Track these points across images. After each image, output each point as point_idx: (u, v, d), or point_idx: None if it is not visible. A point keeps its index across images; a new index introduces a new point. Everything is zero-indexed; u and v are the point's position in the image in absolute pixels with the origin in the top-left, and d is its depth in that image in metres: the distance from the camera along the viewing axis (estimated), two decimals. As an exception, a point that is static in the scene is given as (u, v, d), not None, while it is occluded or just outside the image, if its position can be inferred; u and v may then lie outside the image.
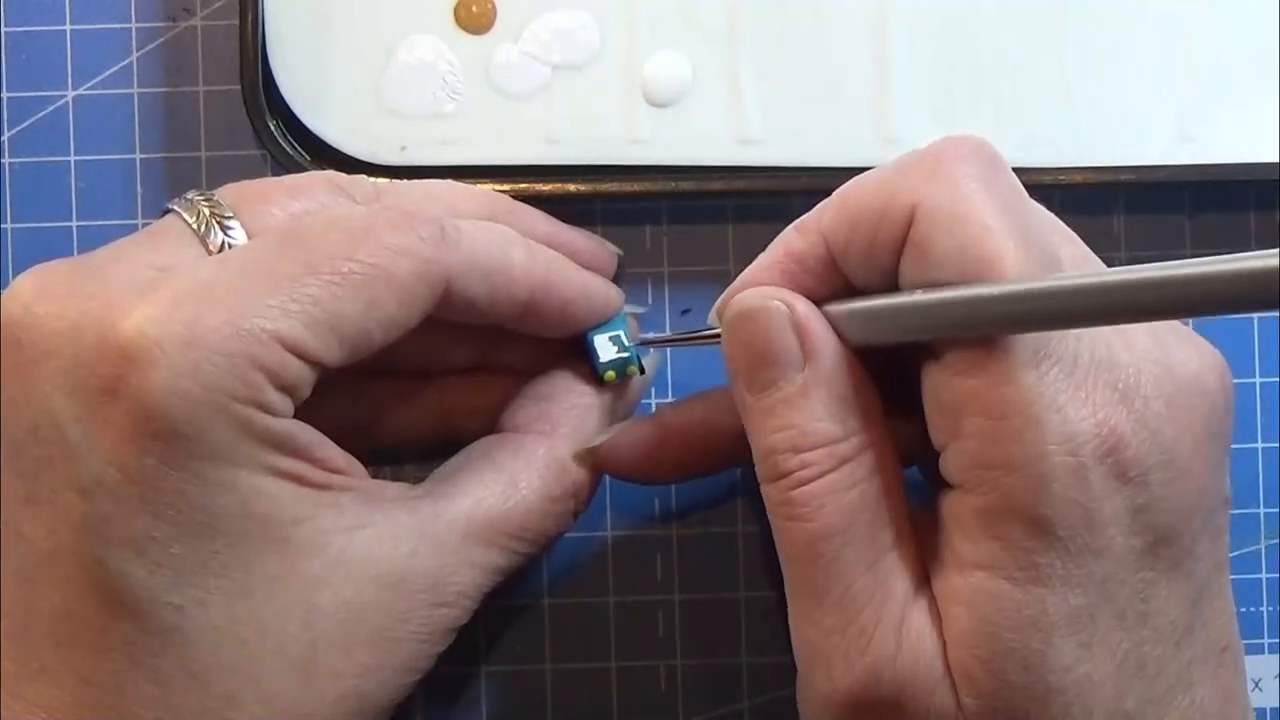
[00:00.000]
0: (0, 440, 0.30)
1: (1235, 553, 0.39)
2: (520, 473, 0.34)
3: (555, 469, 0.35)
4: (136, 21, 0.39)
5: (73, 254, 0.37)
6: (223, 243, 0.32)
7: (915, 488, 0.32)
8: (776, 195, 0.38)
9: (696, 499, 0.39)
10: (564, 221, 0.37)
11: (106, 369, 0.29)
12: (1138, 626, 0.29)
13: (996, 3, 0.38)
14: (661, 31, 0.38)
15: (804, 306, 0.31)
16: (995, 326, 0.28)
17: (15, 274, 0.31)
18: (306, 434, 0.31)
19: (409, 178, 0.37)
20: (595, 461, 0.35)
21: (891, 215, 0.29)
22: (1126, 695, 0.29)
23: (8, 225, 0.39)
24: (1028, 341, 0.28)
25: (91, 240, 0.37)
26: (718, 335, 0.32)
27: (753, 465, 0.31)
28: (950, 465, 0.29)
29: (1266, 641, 0.39)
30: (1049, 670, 0.29)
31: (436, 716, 0.39)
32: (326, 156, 0.38)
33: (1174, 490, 0.29)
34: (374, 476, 0.33)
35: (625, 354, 0.36)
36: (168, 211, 0.32)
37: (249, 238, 0.32)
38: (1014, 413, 0.28)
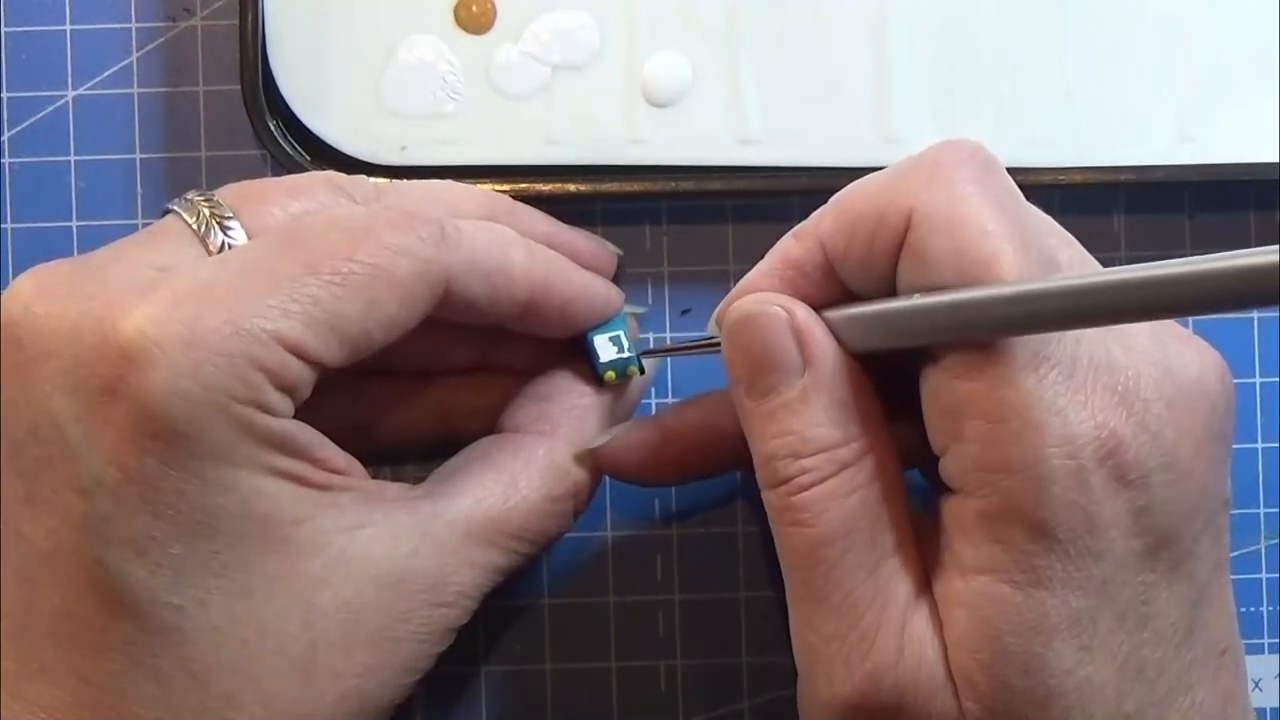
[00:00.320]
0: (0, 440, 0.30)
1: (1235, 553, 0.39)
2: (520, 473, 0.34)
3: (555, 469, 0.35)
4: (136, 21, 0.39)
5: (73, 254, 0.38)
6: (223, 243, 0.32)
7: (917, 491, 0.32)
8: (776, 195, 0.38)
9: (696, 499, 0.39)
10: (564, 221, 0.37)
11: (106, 369, 0.29)
12: (1138, 629, 0.29)
13: (996, 3, 0.38)
14: (661, 31, 0.38)
15: (803, 312, 0.31)
16: (993, 329, 0.28)
17: (15, 274, 0.31)
18: (306, 434, 0.31)
19: (409, 178, 0.37)
20: (595, 462, 0.35)
21: (888, 220, 0.29)
22: (1127, 698, 0.29)
23: (8, 225, 0.39)
24: (1027, 344, 0.28)
25: (91, 240, 0.37)
26: (717, 344, 0.32)
27: (753, 468, 0.31)
28: (950, 469, 0.29)
29: (1266, 641, 0.39)
30: (1050, 674, 0.29)
31: (436, 716, 0.39)
32: (326, 156, 0.38)
33: (1175, 492, 0.29)
34: (374, 476, 0.33)
35: (625, 354, 0.36)
36: (168, 212, 0.32)
37: (249, 238, 0.32)
38: (1013, 416, 0.28)
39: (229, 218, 0.32)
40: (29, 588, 0.30)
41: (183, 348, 0.28)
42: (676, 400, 0.38)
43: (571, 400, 0.36)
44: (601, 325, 0.36)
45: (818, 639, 0.30)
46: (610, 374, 0.36)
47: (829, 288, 0.31)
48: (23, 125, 0.39)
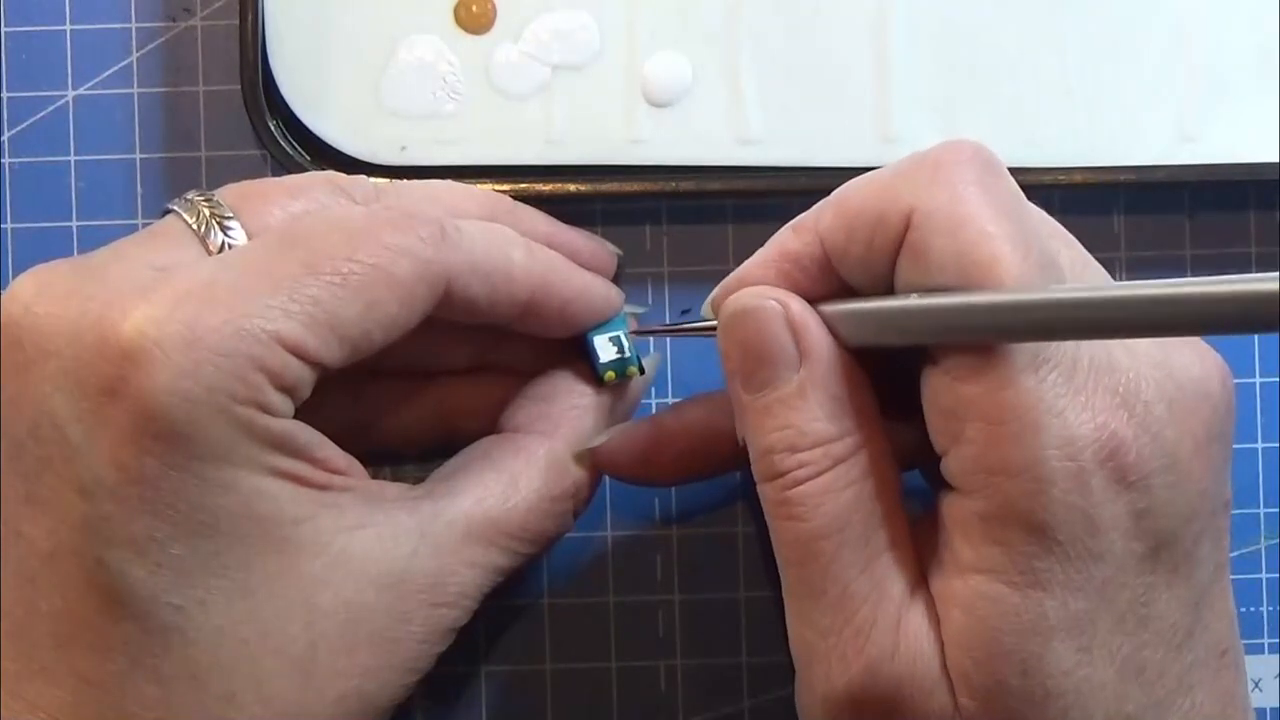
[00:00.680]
0: (0, 440, 0.30)
1: (1235, 553, 0.39)
2: (520, 473, 0.34)
3: (555, 469, 0.35)
4: (136, 21, 0.39)
5: (73, 254, 0.37)
6: (223, 243, 0.32)
7: (918, 492, 0.32)
8: (776, 195, 0.38)
9: (696, 499, 0.39)
10: (564, 221, 0.37)
11: (107, 369, 0.29)
12: (1138, 630, 0.29)
13: (997, 3, 0.38)
14: (661, 32, 0.38)
15: (799, 306, 0.31)
16: (992, 334, 0.28)
17: (15, 274, 0.31)
18: (307, 434, 0.31)
19: (409, 178, 0.37)
20: (593, 462, 0.35)
21: (889, 219, 0.29)
22: (1127, 699, 0.29)
23: (8, 225, 0.39)
24: (1027, 346, 0.28)
25: (91, 240, 0.37)
26: (707, 326, 0.32)
27: (750, 469, 0.31)
28: (952, 469, 0.29)
29: (1266, 641, 0.39)
30: (1047, 674, 0.29)
31: (436, 716, 0.39)
32: (326, 156, 0.38)
33: (1175, 494, 0.29)
34: (374, 476, 0.33)
35: (625, 354, 0.36)
36: (168, 212, 0.32)
37: (249, 238, 0.32)
38: (1013, 418, 0.28)
39: (229, 218, 0.32)
40: (29, 588, 0.30)
41: (183, 348, 0.28)
42: (676, 400, 0.38)
43: (571, 400, 0.36)
44: (601, 325, 0.36)
45: (814, 634, 0.30)
46: (610, 374, 0.36)
47: (826, 282, 0.31)
48: (23, 125, 0.39)
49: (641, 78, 0.38)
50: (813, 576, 0.30)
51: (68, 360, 0.29)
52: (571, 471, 0.35)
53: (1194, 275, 0.39)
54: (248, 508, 0.29)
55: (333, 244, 0.30)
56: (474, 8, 0.38)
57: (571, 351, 0.36)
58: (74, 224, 0.39)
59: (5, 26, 0.39)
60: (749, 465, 0.32)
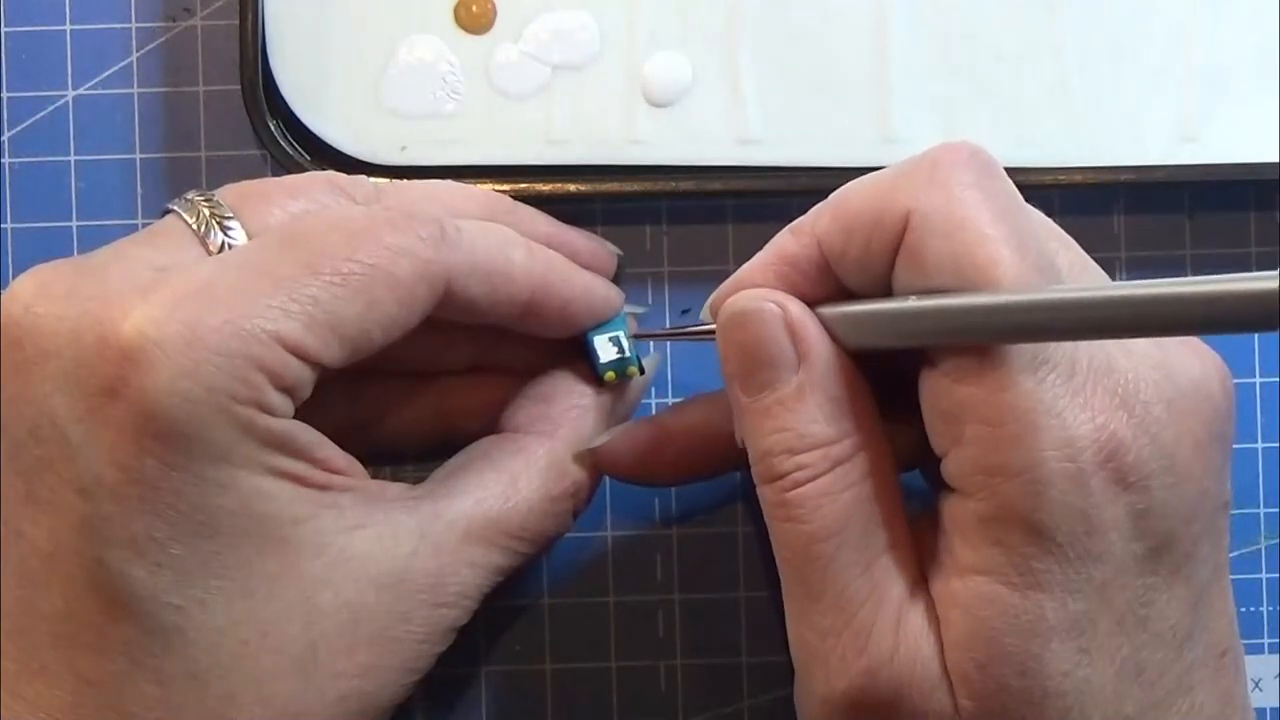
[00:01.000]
0: (1, 440, 0.30)
1: (1235, 553, 0.39)
2: (520, 473, 0.34)
3: (555, 469, 0.35)
4: (136, 21, 0.39)
5: (73, 254, 0.38)
6: (222, 243, 0.32)
7: (918, 493, 0.32)
8: (776, 195, 0.38)
9: (696, 499, 0.39)
10: (564, 221, 0.37)
11: (107, 369, 0.29)
12: (1137, 631, 0.29)
13: (997, 3, 0.38)
14: (661, 32, 0.38)
15: (797, 308, 0.31)
16: (990, 335, 0.28)
17: (15, 274, 0.31)
18: (306, 434, 0.31)
19: (409, 178, 0.37)
20: (594, 462, 0.35)
21: (886, 221, 0.29)
22: (1126, 699, 0.29)
23: (8, 225, 0.39)
24: (1026, 348, 0.28)
25: (91, 240, 0.37)
26: (707, 330, 0.32)
27: (750, 469, 0.31)
28: (951, 471, 0.29)
29: (1266, 641, 0.39)
30: (1046, 675, 0.29)
31: (436, 716, 0.39)
32: (326, 156, 0.38)
33: (1175, 495, 0.29)
34: (374, 476, 0.33)
35: (625, 354, 0.36)
36: (168, 212, 0.32)
37: (249, 238, 0.32)
38: (1012, 419, 0.28)
39: (229, 218, 0.32)
40: (29, 588, 0.30)
41: (183, 348, 0.28)
42: (677, 400, 0.38)
43: (571, 400, 0.36)
44: (601, 325, 0.36)
45: (813, 635, 0.30)
46: (610, 374, 0.36)
47: (824, 284, 0.31)
48: (23, 125, 0.39)
49: (641, 78, 0.38)
50: (812, 578, 0.30)
51: (68, 360, 0.29)
52: (571, 472, 0.35)
53: (1194, 275, 0.39)
54: (247, 507, 0.29)
55: (333, 244, 0.30)
56: (474, 8, 0.38)
57: (571, 351, 0.36)
58: (74, 224, 0.39)
59: (5, 26, 0.39)
60: (749, 466, 0.32)
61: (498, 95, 0.38)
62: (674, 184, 0.38)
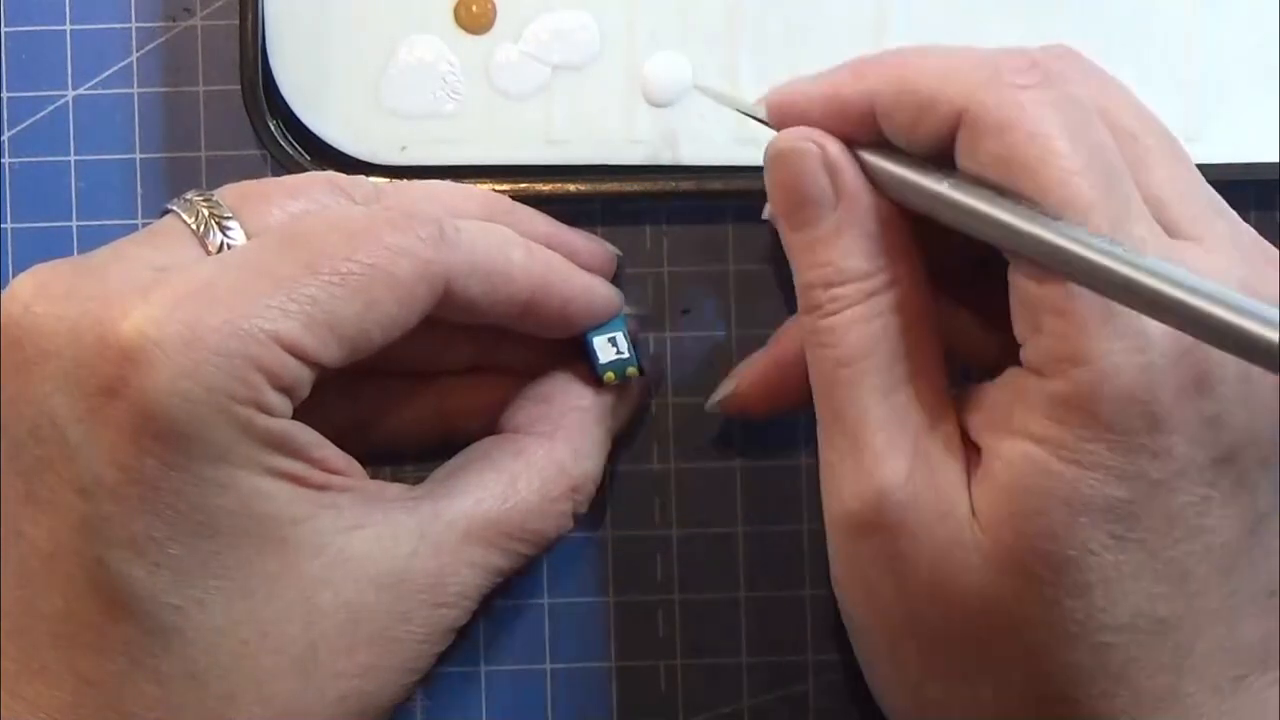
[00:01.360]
0: (0, 440, 0.30)
1: None
2: (520, 473, 0.34)
3: (555, 470, 0.35)
4: (136, 21, 0.39)
5: (73, 254, 0.38)
6: (222, 243, 0.32)
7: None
8: (776, 195, 0.38)
9: (696, 499, 0.39)
10: (564, 221, 0.37)
11: (106, 369, 0.29)
12: (1189, 539, 0.29)
13: (996, 4, 0.38)
14: (661, 32, 0.38)
15: (835, 149, 0.32)
16: (1053, 267, 0.29)
17: (15, 274, 0.31)
18: (305, 434, 0.31)
19: (409, 178, 0.37)
20: (726, 408, 0.36)
21: (939, 110, 0.30)
22: (1160, 600, 0.29)
23: (8, 225, 0.39)
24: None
25: (91, 240, 0.37)
26: (764, 120, 0.33)
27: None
28: (1029, 357, 0.30)
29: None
30: (1071, 545, 0.29)
31: (436, 716, 0.39)
32: (326, 156, 0.38)
33: (1248, 408, 0.29)
34: (374, 476, 0.33)
35: (625, 355, 0.36)
36: (167, 212, 0.32)
37: (248, 238, 0.32)
38: (1085, 309, 0.28)
39: (228, 218, 0.32)
40: (29, 588, 0.30)
41: (182, 348, 0.28)
42: (677, 398, 0.39)
43: (571, 401, 0.36)
44: (601, 326, 0.36)
45: (834, 455, 0.31)
46: (610, 374, 0.36)
47: (871, 130, 0.32)
48: (23, 125, 0.39)
49: (641, 78, 0.38)
50: (836, 401, 0.31)
51: (67, 360, 0.29)
52: (571, 472, 0.35)
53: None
54: (247, 508, 0.29)
55: (332, 244, 0.30)
56: (474, 8, 0.38)
57: (571, 351, 0.36)
58: (74, 224, 0.39)
59: (5, 26, 0.39)
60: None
61: (498, 95, 0.38)
62: (674, 184, 0.38)
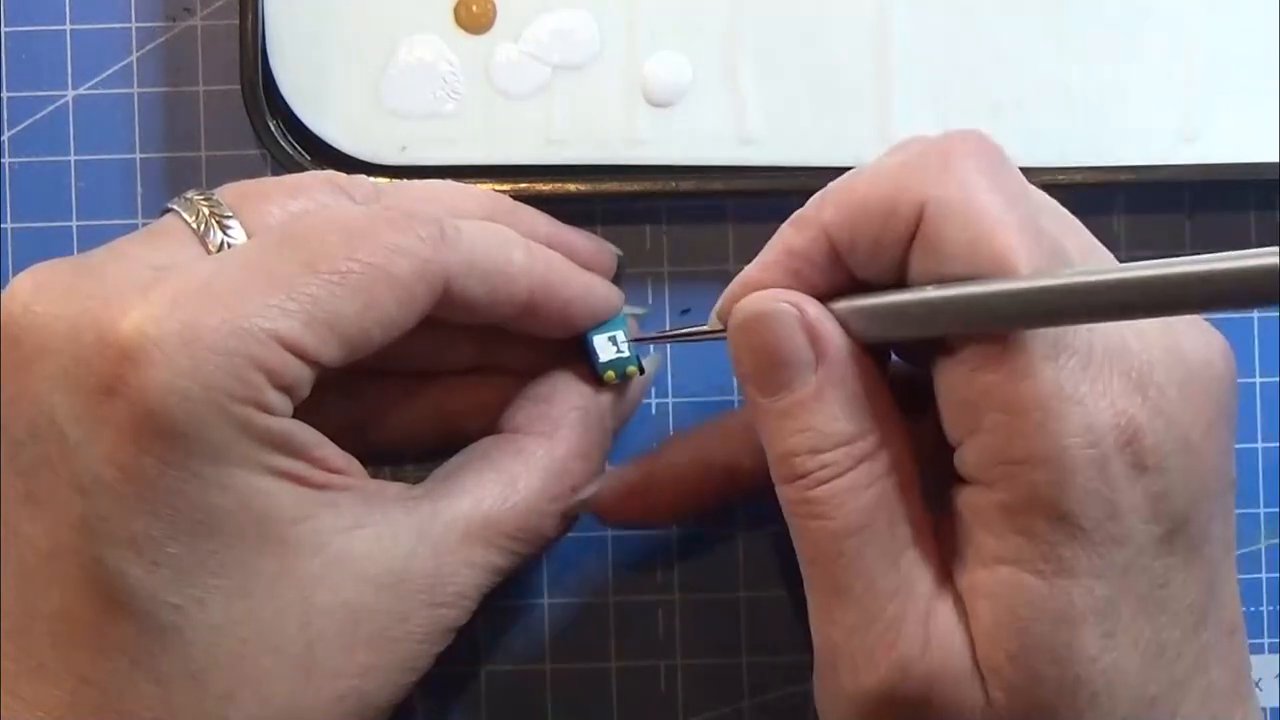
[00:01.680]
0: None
1: (1236, 553, 0.39)
2: (520, 473, 0.34)
3: (555, 470, 0.35)
4: (136, 21, 0.39)
5: (73, 254, 0.37)
6: (222, 242, 0.32)
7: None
8: (776, 195, 0.38)
9: (696, 499, 0.39)
10: (564, 221, 0.37)
11: (105, 368, 0.29)
12: (1157, 613, 0.29)
13: (997, 3, 0.38)
14: (661, 31, 0.38)
15: (813, 308, 0.31)
16: (1011, 322, 0.28)
17: (15, 274, 0.31)
18: (305, 434, 0.31)
19: (409, 178, 0.37)
20: (592, 511, 0.35)
21: (900, 211, 0.29)
22: (1149, 682, 0.29)
23: (8, 225, 0.39)
24: (1046, 334, 0.28)
25: (91, 240, 0.37)
26: (714, 333, 0.32)
27: (747, 500, 0.31)
28: (969, 460, 0.29)
29: (1266, 641, 0.39)
30: (1076, 662, 0.29)
31: (436, 716, 0.39)
32: (326, 156, 0.38)
33: (1190, 476, 0.29)
34: (374, 476, 0.33)
35: (625, 354, 0.36)
36: (167, 211, 0.32)
37: (248, 237, 0.32)
38: (1034, 407, 0.28)
39: (228, 217, 0.32)
40: (28, 587, 0.30)
41: (181, 347, 0.28)
42: (677, 399, 0.38)
43: (571, 401, 0.36)
44: (601, 326, 0.36)
45: (840, 632, 0.30)
46: (610, 374, 0.36)
47: (834, 276, 0.31)
48: (23, 125, 0.39)
49: (641, 78, 0.38)
50: (838, 575, 0.30)
51: (66, 359, 0.29)
52: (571, 472, 0.35)
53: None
54: (246, 507, 0.29)
55: (332, 243, 0.30)
56: (474, 8, 0.38)
57: (571, 351, 0.36)
58: (74, 224, 0.39)
59: (5, 26, 0.39)
60: (743, 497, 0.31)
61: (498, 95, 0.38)
62: (674, 184, 0.38)
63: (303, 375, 0.30)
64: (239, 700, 0.30)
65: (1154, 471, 0.29)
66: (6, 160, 0.39)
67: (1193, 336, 0.30)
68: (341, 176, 0.34)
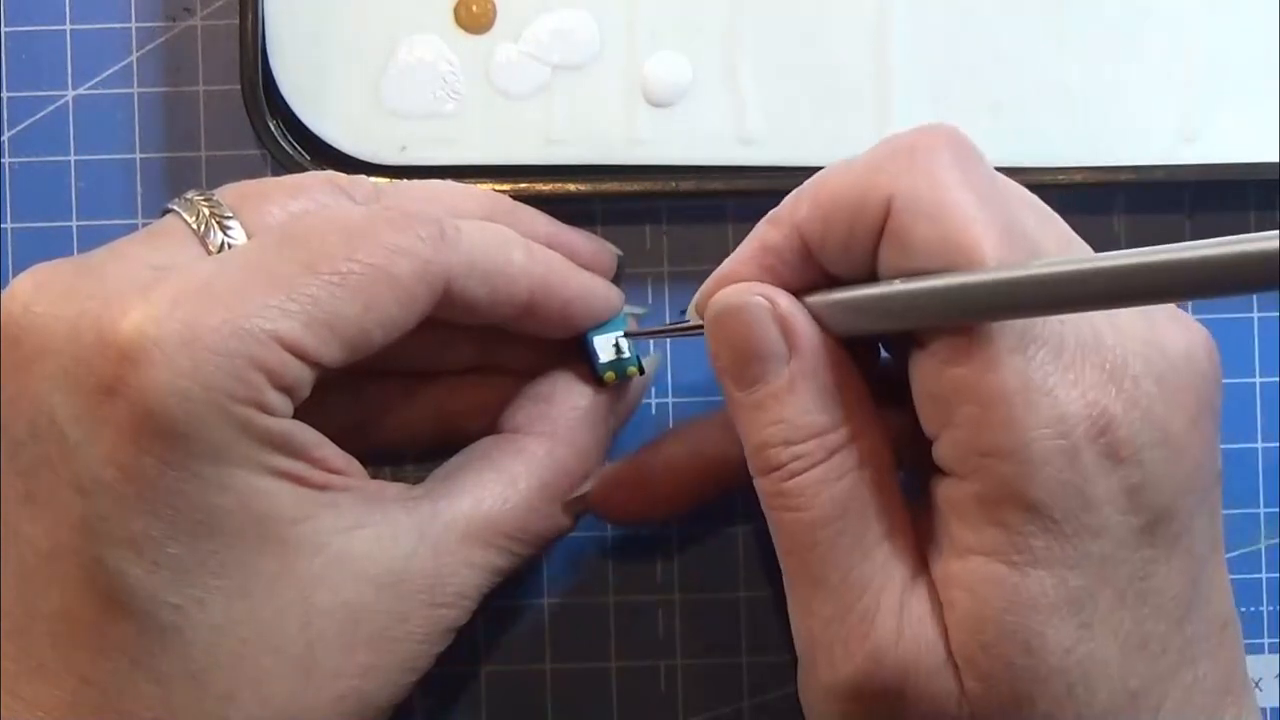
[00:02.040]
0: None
1: (1235, 553, 0.39)
2: (520, 474, 0.34)
3: (555, 470, 0.35)
4: (136, 21, 0.39)
5: (73, 254, 0.37)
6: (222, 243, 0.32)
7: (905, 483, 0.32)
8: (776, 195, 0.37)
9: (696, 499, 0.39)
10: (564, 221, 0.37)
11: (105, 368, 0.29)
12: (1139, 605, 0.29)
13: (997, 3, 0.38)
14: (661, 31, 0.38)
15: (785, 300, 0.31)
16: (980, 314, 0.28)
17: (15, 274, 0.31)
18: (305, 434, 0.31)
19: (409, 178, 0.37)
20: (587, 508, 0.35)
21: (868, 207, 0.29)
22: (1131, 674, 0.29)
23: (8, 225, 0.39)
24: (1013, 326, 0.28)
25: (91, 240, 0.37)
26: (695, 327, 0.33)
27: (745, 492, 0.31)
28: (944, 453, 0.29)
29: (1266, 641, 0.39)
30: (1050, 652, 0.29)
31: (436, 716, 0.39)
32: (326, 156, 0.38)
33: (1169, 469, 0.29)
34: (374, 476, 0.33)
35: (624, 355, 0.36)
36: (167, 211, 0.32)
37: (248, 238, 0.32)
38: (1002, 399, 0.28)
39: (229, 217, 0.32)
40: (28, 587, 0.30)
41: (181, 347, 0.28)
42: (677, 399, 0.38)
43: (571, 401, 0.36)
44: (601, 326, 0.36)
45: (816, 622, 0.30)
46: (610, 374, 0.36)
47: (807, 273, 0.31)
48: (23, 125, 0.39)
49: (641, 78, 0.38)
50: (813, 565, 0.30)
51: (66, 359, 0.29)
52: (571, 473, 0.35)
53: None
54: (246, 507, 0.29)
55: (332, 244, 0.30)
56: (474, 8, 0.38)
57: (571, 351, 0.36)
58: (74, 224, 0.39)
59: (5, 26, 0.39)
60: (741, 488, 0.31)
61: (498, 95, 0.38)
62: (674, 184, 0.38)
63: (303, 376, 0.30)
64: (239, 700, 0.30)
65: (1130, 463, 0.29)
66: (6, 160, 0.39)
67: (1173, 331, 0.30)
68: (342, 177, 0.34)
